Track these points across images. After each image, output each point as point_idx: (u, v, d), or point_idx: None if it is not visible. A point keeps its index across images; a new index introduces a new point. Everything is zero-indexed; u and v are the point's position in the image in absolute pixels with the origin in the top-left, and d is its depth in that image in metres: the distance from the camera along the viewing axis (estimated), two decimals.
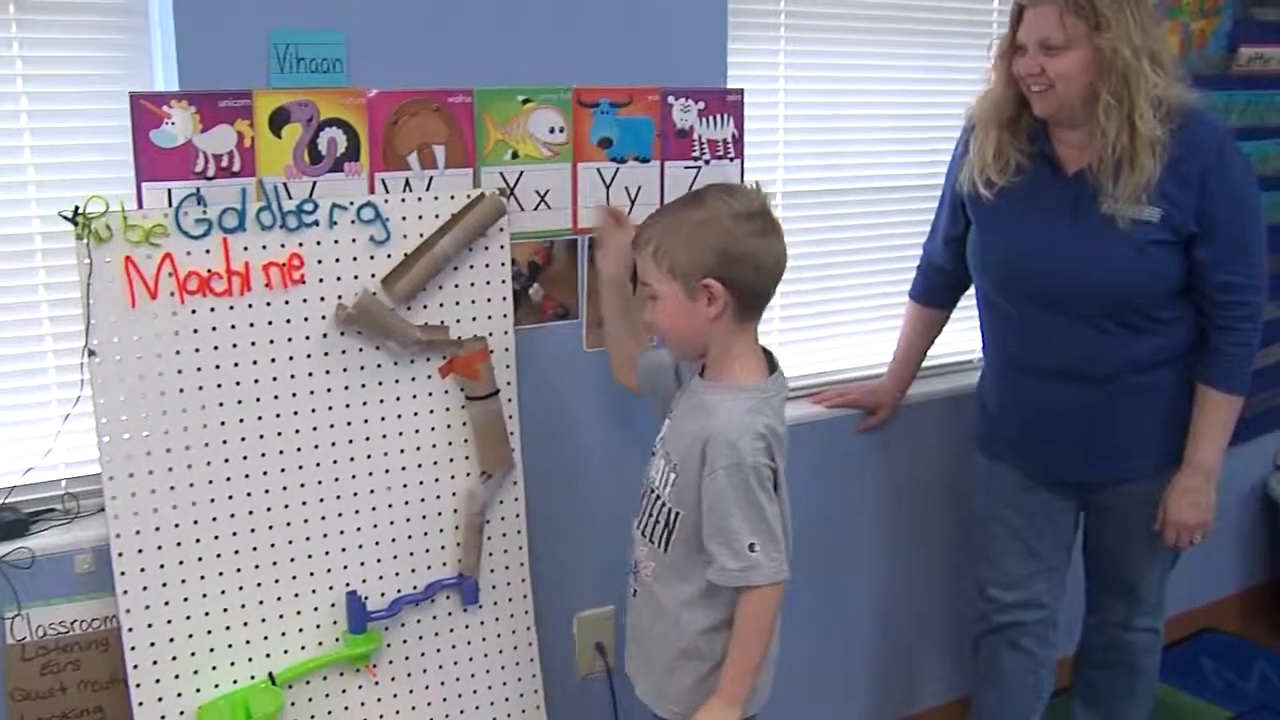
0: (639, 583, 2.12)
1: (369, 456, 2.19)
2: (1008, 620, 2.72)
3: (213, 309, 2.03)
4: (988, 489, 2.72)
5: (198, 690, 2.10)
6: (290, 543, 2.15)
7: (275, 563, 2.14)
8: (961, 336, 3.01)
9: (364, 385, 2.17)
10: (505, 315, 2.29)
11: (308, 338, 2.11)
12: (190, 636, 2.08)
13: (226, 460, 2.07)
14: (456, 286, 2.23)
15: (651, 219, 2.03)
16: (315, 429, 2.14)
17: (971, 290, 2.71)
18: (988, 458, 2.71)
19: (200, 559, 2.07)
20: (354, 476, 2.19)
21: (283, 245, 2.07)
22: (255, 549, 2.12)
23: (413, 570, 2.26)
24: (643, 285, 2.03)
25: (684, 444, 2.01)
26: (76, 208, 1.91)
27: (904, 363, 2.89)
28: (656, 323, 2.02)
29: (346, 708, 2.24)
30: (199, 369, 2.03)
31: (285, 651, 2.17)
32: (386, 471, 2.21)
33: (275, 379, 2.09)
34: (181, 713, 2.09)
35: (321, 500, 2.16)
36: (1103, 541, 2.67)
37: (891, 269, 2.99)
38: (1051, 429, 2.54)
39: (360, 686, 2.25)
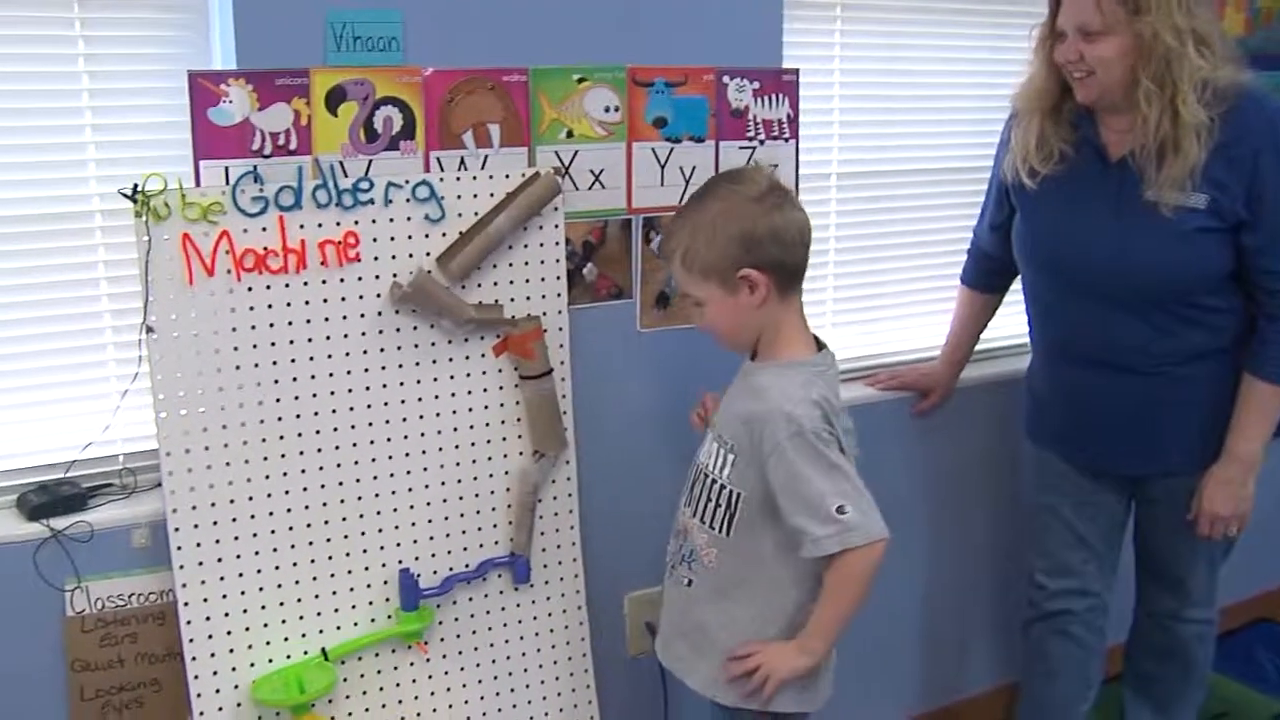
0: (695, 571, 2.10)
1: (422, 435, 2.20)
2: (1057, 608, 2.71)
3: (269, 286, 2.04)
4: (1037, 476, 2.71)
5: (252, 665, 2.12)
6: (344, 520, 2.16)
7: (329, 539, 2.15)
8: (1014, 320, 2.99)
9: (418, 364, 2.18)
10: (559, 294, 2.29)
11: (362, 316, 2.12)
12: (245, 611, 2.10)
13: (281, 437, 2.09)
14: (511, 265, 2.23)
15: (669, 230, 2.04)
16: (369, 406, 2.15)
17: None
18: (1036, 445, 2.69)
19: (255, 535, 2.09)
20: (407, 454, 2.20)
21: (338, 223, 2.08)
22: (309, 525, 2.13)
23: (465, 549, 2.28)
24: (683, 296, 2.03)
25: (737, 425, 2.01)
26: (136, 185, 1.93)
27: (956, 347, 2.87)
28: (708, 327, 2.03)
29: (398, 684, 2.25)
30: (255, 346, 2.05)
31: (338, 628, 2.19)
32: (440, 450, 2.22)
33: (330, 356, 2.11)
34: (236, 686, 2.11)
35: (375, 478, 2.17)
36: (1150, 534, 2.65)
37: (946, 251, 2.97)
38: (1096, 420, 2.52)
39: (412, 663, 2.26)
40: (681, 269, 1.98)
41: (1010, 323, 2.97)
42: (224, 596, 2.08)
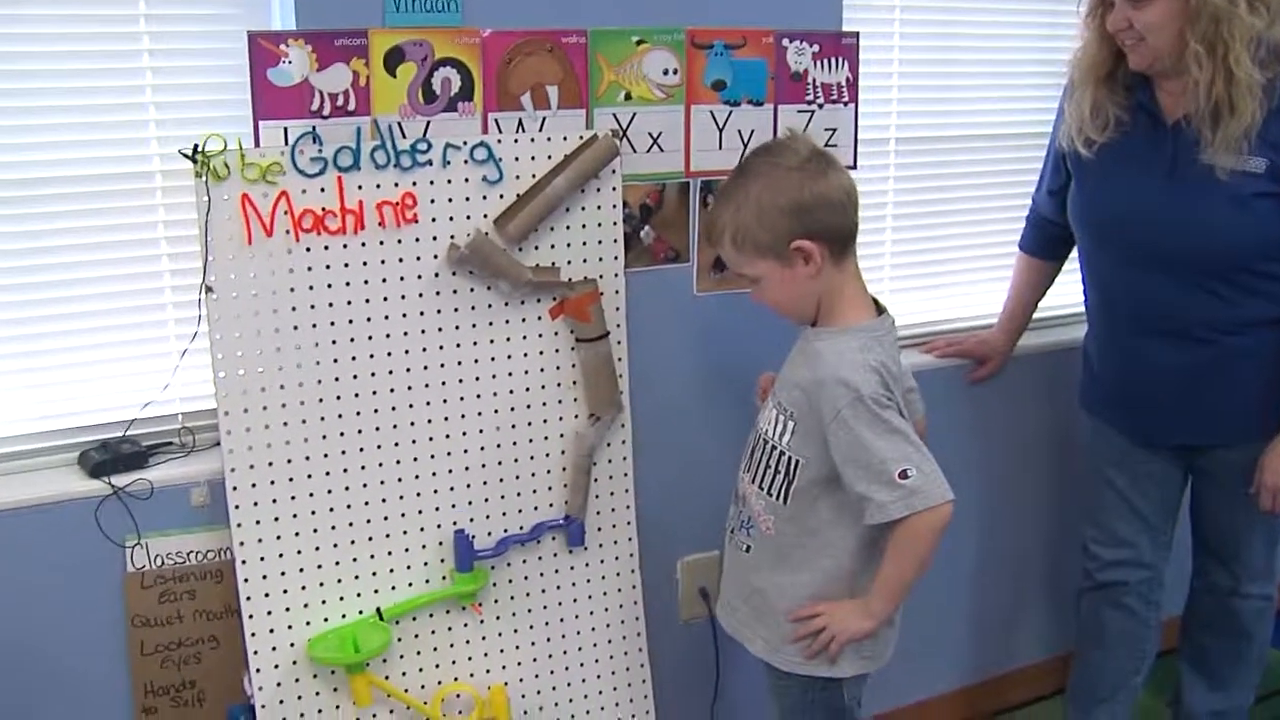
0: (753, 538, 2.11)
1: (478, 396, 2.22)
2: (1110, 578, 2.69)
3: (327, 247, 2.06)
4: (1092, 447, 2.69)
5: (308, 623, 2.15)
6: (400, 480, 2.18)
7: (385, 500, 2.17)
8: (1072, 288, 2.96)
9: (474, 325, 2.19)
10: (616, 258, 2.29)
11: (420, 277, 2.13)
12: (302, 570, 2.13)
13: (338, 397, 2.10)
14: (568, 228, 2.24)
15: (713, 212, 2.03)
16: (426, 368, 2.16)
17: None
18: (1091, 415, 2.67)
19: (312, 495, 2.11)
20: (463, 416, 2.21)
21: (396, 184, 2.09)
22: (365, 486, 2.15)
23: (519, 511, 2.29)
24: (738, 276, 2.03)
25: (796, 392, 2.01)
26: (195, 146, 1.95)
27: (1013, 315, 2.85)
28: (766, 303, 2.02)
29: (452, 645, 2.27)
30: (312, 307, 2.06)
31: (393, 588, 2.21)
32: (495, 412, 2.24)
33: (387, 318, 2.12)
34: (292, 644, 2.14)
35: (431, 439, 2.19)
36: (1207, 507, 2.61)
37: (1005, 218, 2.94)
38: (1151, 390, 2.48)
39: (466, 624, 2.28)
40: (733, 249, 1.97)
41: (1069, 290, 2.94)
42: (281, 555, 2.11)
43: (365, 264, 2.08)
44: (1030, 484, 3.09)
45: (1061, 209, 2.59)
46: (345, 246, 2.07)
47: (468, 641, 2.29)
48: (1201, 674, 2.88)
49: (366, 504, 2.16)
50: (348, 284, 2.08)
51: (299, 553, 2.12)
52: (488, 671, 2.31)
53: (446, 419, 2.20)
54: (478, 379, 2.21)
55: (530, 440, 2.28)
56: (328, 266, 2.06)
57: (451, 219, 2.13)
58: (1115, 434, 2.60)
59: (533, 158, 2.18)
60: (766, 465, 2.06)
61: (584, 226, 2.25)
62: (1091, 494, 2.70)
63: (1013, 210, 2.90)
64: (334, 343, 2.08)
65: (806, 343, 2.04)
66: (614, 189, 2.27)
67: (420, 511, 2.20)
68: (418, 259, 2.12)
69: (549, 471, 2.31)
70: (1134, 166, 2.36)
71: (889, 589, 2.00)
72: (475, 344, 2.19)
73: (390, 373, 2.13)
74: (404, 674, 2.23)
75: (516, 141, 2.17)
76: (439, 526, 2.22)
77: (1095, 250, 2.51)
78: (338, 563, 2.15)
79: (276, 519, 2.09)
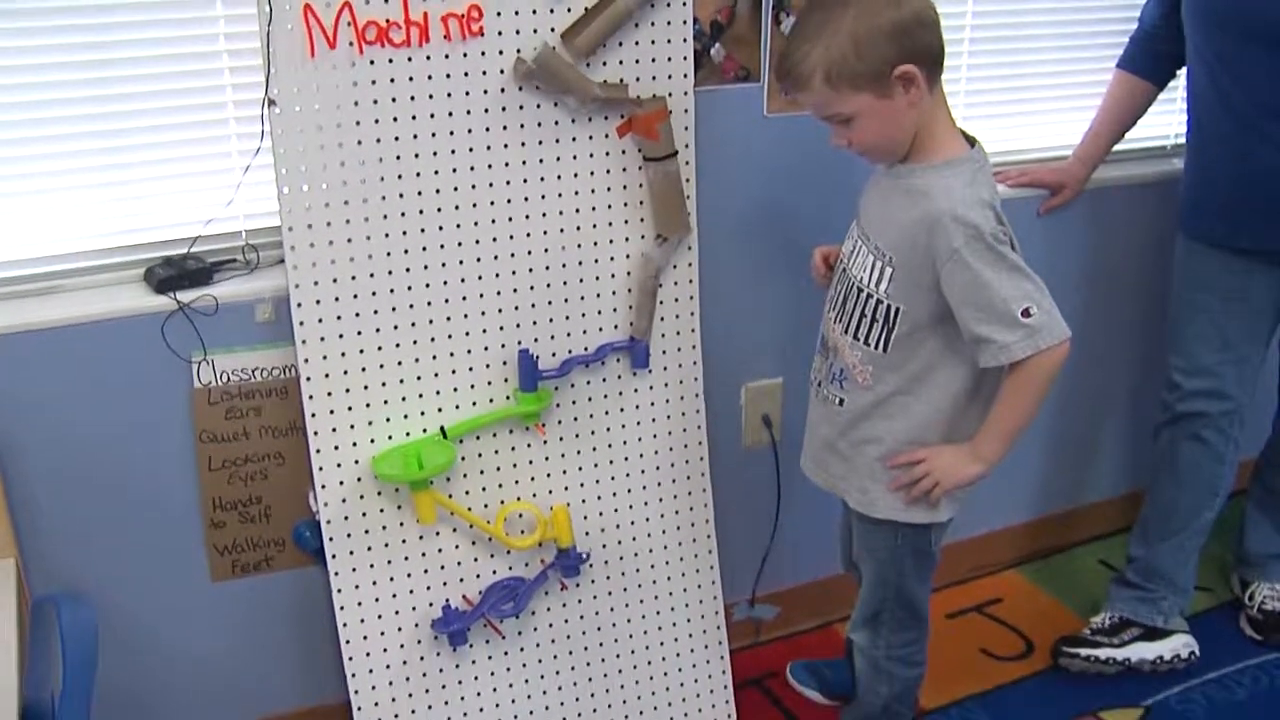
0: (847, 390, 2.12)
1: (544, 214, 2.25)
2: (1190, 409, 2.73)
3: (391, 60, 2.08)
4: (1184, 273, 2.70)
5: (372, 440, 2.24)
6: (464, 298, 2.24)
7: (449, 318, 2.23)
8: (1161, 119, 2.94)
9: (540, 142, 2.21)
10: (685, 75, 2.30)
11: (485, 92, 2.15)
12: (366, 388, 2.21)
13: (403, 214, 2.15)
14: (637, 44, 2.24)
15: (795, 53, 1.91)
16: (491, 185, 2.20)
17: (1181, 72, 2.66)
18: (1188, 237, 2.68)
19: (376, 312, 2.18)
20: (528, 235, 2.25)
21: None
22: (430, 304, 2.21)
23: (584, 332, 2.35)
24: (825, 120, 1.97)
25: (900, 234, 1.99)
26: None
27: (1096, 138, 2.84)
28: (858, 142, 1.97)
29: (515, 464, 2.36)
30: (376, 121, 2.09)
31: (457, 407, 2.29)
32: (561, 231, 2.27)
33: (452, 133, 2.15)
34: (357, 461, 2.23)
35: (495, 257, 2.24)
36: None
37: (1089, 42, 2.92)
38: (1261, 187, 2.49)
39: (529, 445, 2.36)
40: (826, 88, 1.90)
41: (1160, 120, 2.92)
42: (345, 372, 2.18)
43: (430, 78, 2.10)
44: (1108, 319, 3.12)
45: (1172, 18, 2.57)
46: (410, 60, 2.08)
47: (530, 461, 2.37)
48: (1265, 514, 2.95)
49: (431, 322, 2.22)
50: (412, 98, 2.10)
51: (363, 370, 2.19)
52: (550, 492, 2.40)
53: (511, 237, 2.24)
54: (543, 197, 2.24)
55: (596, 260, 2.32)
56: (392, 80, 2.08)
57: (518, 32, 2.14)
58: (1213, 256, 2.62)
59: None
60: (862, 314, 2.07)
61: (653, 43, 2.25)
62: (1179, 322, 2.73)
63: (1098, 34, 2.88)
64: (398, 158, 2.12)
65: (901, 180, 2.01)
66: (684, 4, 2.26)
67: (484, 330, 2.26)
68: (483, 73, 2.14)
69: (614, 293, 2.35)
70: None
71: (1002, 432, 2.02)
72: (541, 161, 2.22)
73: (455, 189, 2.17)
74: (467, 492, 2.33)
75: None
76: (503, 346, 2.28)
77: (1213, 42, 2.49)
78: (402, 380, 2.23)
79: (341, 336, 2.16)
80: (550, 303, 2.30)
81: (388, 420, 2.24)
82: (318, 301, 2.14)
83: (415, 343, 2.22)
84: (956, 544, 3.06)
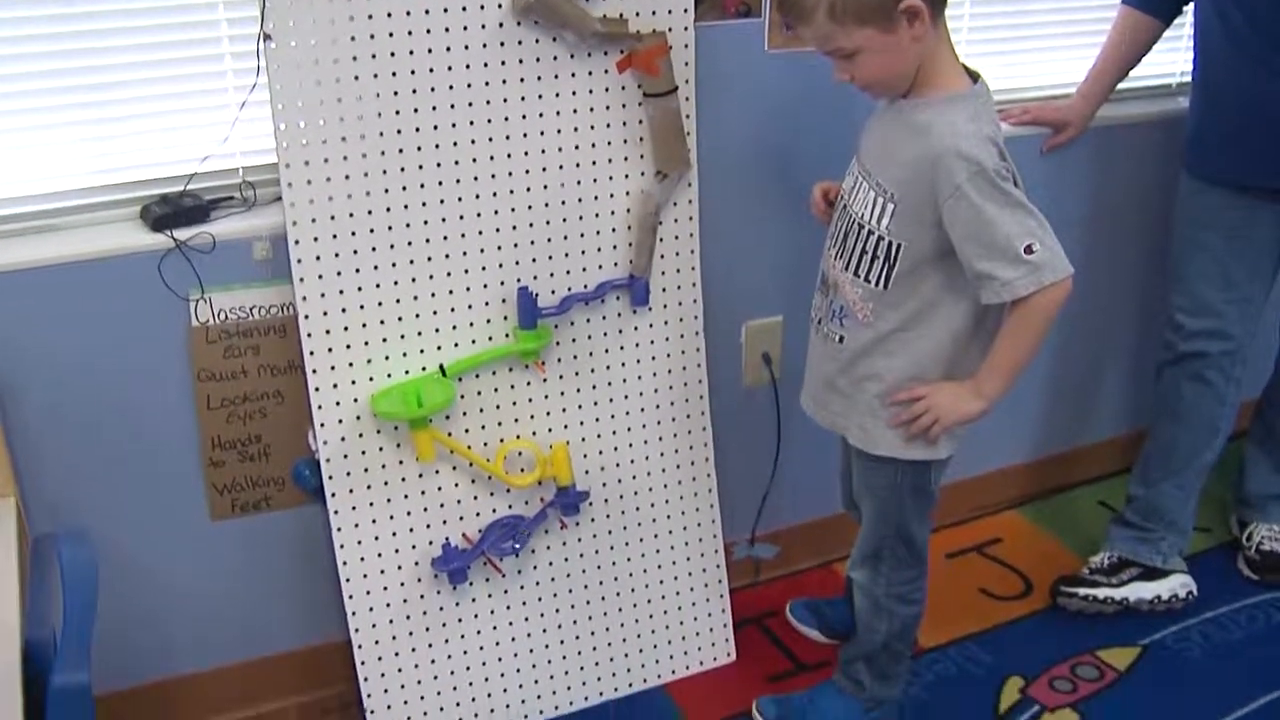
0: (847, 327, 2.12)
1: (543, 151, 2.24)
2: (1192, 349, 2.73)
3: None
4: (1188, 210, 2.70)
5: (371, 378, 2.23)
6: (462, 235, 2.23)
7: (448, 255, 2.23)
8: (1166, 57, 2.92)
9: (539, 78, 2.19)
10: (686, 10, 2.27)
11: (483, 26, 2.13)
12: (365, 326, 2.20)
13: (401, 150, 2.13)
14: None
15: None
16: (489, 121, 2.18)
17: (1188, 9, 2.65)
18: (1192, 175, 2.67)
19: (374, 249, 2.17)
20: (527, 171, 2.24)
21: None
22: (428, 241, 2.20)
23: (584, 269, 2.34)
24: (828, 55, 1.95)
25: (902, 171, 1.98)
26: None
27: (1100, 75, 2.81)
28: (861, 78, 1.95)
29: (514, 402, 2.36)
30: (374, 56, 2.07)
31: (456, 344, 2.28)
32: (560, 167, 2.26)
33: (450, 68, 2.13)
34: (355, 399, 2.23)
35: (495, 194, 2.22)
36: None
37: None
38: (1267, 123, 2.48)
39: (529, 383, 2.36)
40: (829, 23, 1.88)
41: (1161, 59, 2.90)
42: (344, 310, 2.18)
43: (428, 12, 2.08)
44: (1111, 258, 3.12)
45: None
46: None
47: (530, 399, 2.37)
48: (1264, 451, 2.96)
49: (430, 259, 2.21)
50: (410, 33, 2.08)
51: (362, 307, 2.19)
52: (550, 430, 2.41)
53: (510, 174, 2.22)
54: (542, 133, 2.23)
55: (595, 197, 2.31)
56: (389, 14, 2.06)
57: None
58: (1215, 192, 2.61)
59: None
60: (863, 251, 2.06)
61: None
62: (1182, 261, 2.73)
63: None
64: (395, 94, 2.10)
65: (903, 115, 2.00)
66: None
67: (484, 267, 2.26)
68: (481, 7, 2.12)
69: (614, 230, 2.34)
70: None
71: (1004, 369, 2.02)
72: (540, 97, 2.21)
73: (453, 125, 2.16)
74: (466, 430, 2.33)
75: None
76: (502, 283, 2.28)
77: None
78: (400, 318, 2.22)
79: (339, 273, 2.16)
80: (550, 240, 2.30)
81: (386, 358, 2.24)
82: (316, 239, 2.13)
83: (414, 280, 2.22)
84: (957, 484, 3.07)
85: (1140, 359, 3.19)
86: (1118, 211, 3.06)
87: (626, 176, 2.32)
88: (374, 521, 2.29)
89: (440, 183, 2.18)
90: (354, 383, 2.22)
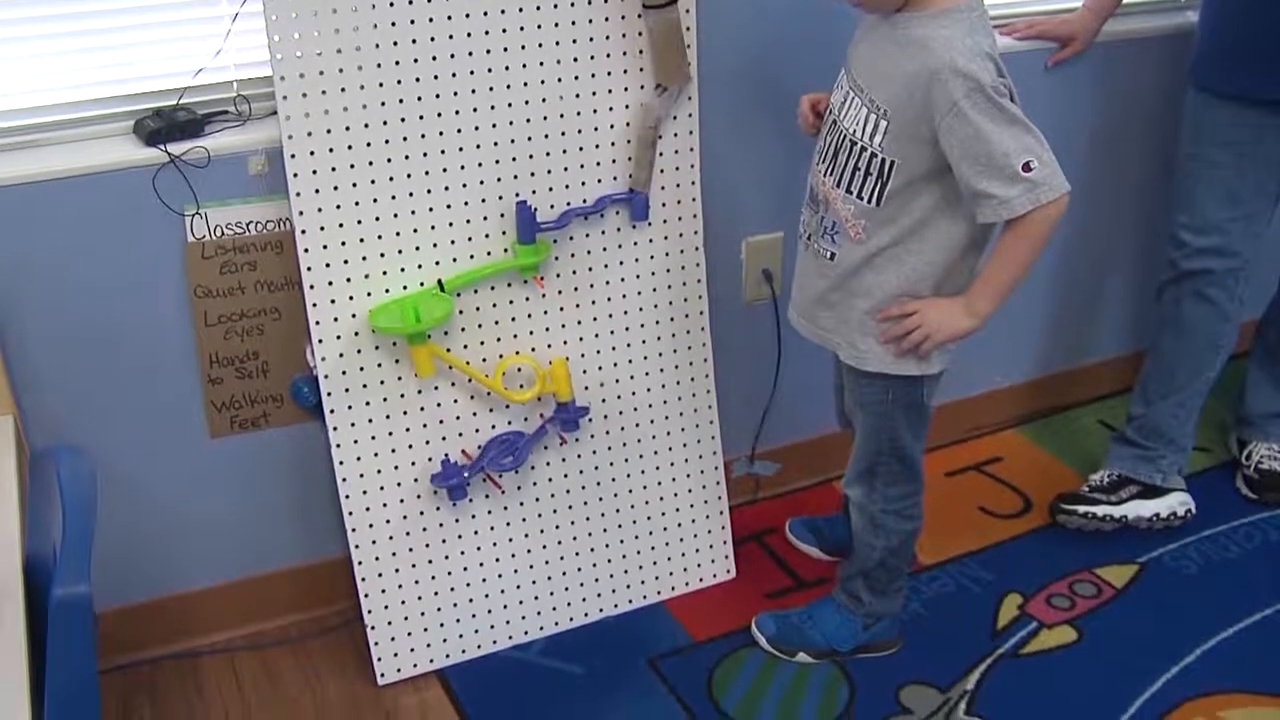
0: (838, 244, 2.11)
1: (541, 64, 2.22)
2: (1195, 266, 2.72)
3: None
4: (1194, 126, 2.67)
5: (369, 294, 2.23)
6: (460, 150, 2.21)
7: (445, 169, 2.21)
8: None
9: None
10: None
11: None
12: (362, 241, 2.20)
13: (397, 62, 2.12)
14: None
15: None
16: (487, 33, 2.16)
17: None
18: (1199, 89, 2.65)
19: (371, 163, 2.16)
20: (525, 84, 2.22)
21: None
22: (425, 155, 2.19)
23: (583, 184, 2.33)
24: None
25: (896, 87, 1.96)
26: None
27: None
28: None
29: (514, 318, 2.36)
30: None
31: (454, 260, 2.28)
32: (559, 80, 2.24)
33: None
34: (354, 315, 2.23)
35: (493, 107, 2.21)
36: None
37: None
38: (1277, 35, 2.46)
39: (528, 298, 2.36)
40: None
41: None
42: (341, 225, 2.17)
43: None
44: (1114, 176, 3.10)
45: None
46: None
47: (529, 315, 2.37)
48: (1268, 375, 2.96)
49: (427, 173, 2.20)
50: None
51: (359, 223, 2.18)
52: (549, 346, 2.40)
53: (509, 86, 2.21)
54: (540, 45, 2.20)
55: (594, 111, 2.29)
56: None
57: None
58: (1225, 106, 2.59)
59: None
60: (855, 168, 2.05)
61: None
62: (1187, 178, 2.71)
63: None
64: (391, 5, 2.08)
65: (897, 30, 1.98)
66: None
67: (482, 182, 2.25)
68: None
69: (613, 144, 2.33)
70: None
71: (996, 287, 2.02)
72: (539, 8, 2.18)
73: (450, 37, 2.13)
74: (465, 346, 2.33)
75: None
76: (500, 198, 2.27)
77: None
78: (398, 233, 2.22)
79: (336, 188, 2.15)
80: (548, 154, 2.28)
81: (384, 274, 2.23)
82: (312, 153, 2.11)
83: (411, 194, 2.21)
84: (957, 403, 3.08)
85: (1143, 277, 3.18)
86: (1123, 128, 3.04)
87: (626, 89, 2.30)
88: (373, 438, 2.30)
89: (437, 95, 2.16)
90: (352, 298, 2.22)
